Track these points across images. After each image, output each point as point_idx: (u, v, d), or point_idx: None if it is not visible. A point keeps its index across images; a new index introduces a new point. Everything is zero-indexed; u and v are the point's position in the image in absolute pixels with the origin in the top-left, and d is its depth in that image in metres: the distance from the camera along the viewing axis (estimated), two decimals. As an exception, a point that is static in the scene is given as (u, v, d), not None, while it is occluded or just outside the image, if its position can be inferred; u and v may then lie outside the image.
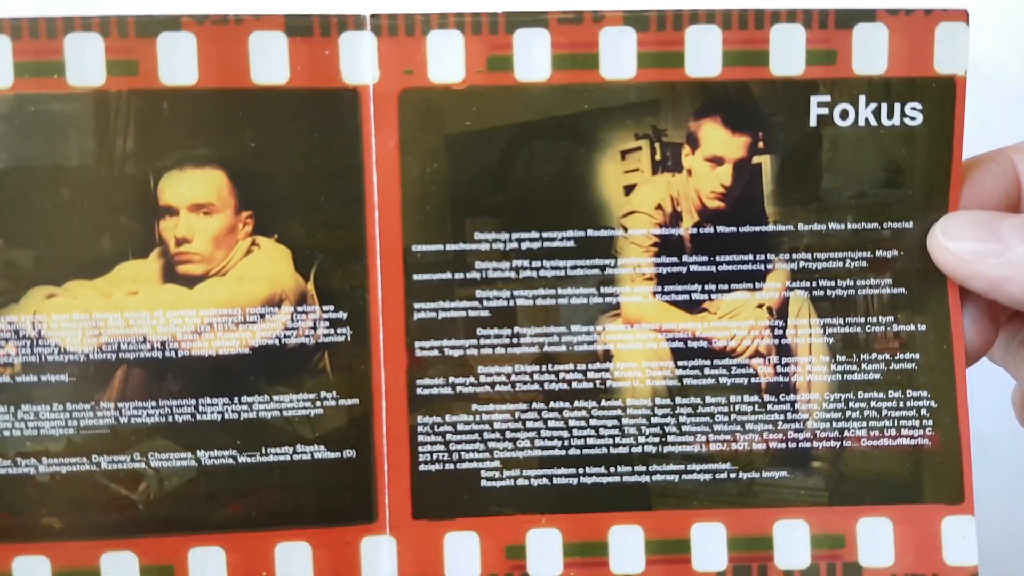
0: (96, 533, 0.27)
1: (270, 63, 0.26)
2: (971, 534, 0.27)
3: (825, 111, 0.27)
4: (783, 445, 0.28)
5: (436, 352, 0.27)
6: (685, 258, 0.28)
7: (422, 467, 0.27)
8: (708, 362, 0.28)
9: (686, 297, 0.28)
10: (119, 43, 0.26)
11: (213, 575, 0.27)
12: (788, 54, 0.27)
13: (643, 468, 0.28)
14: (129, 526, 0.27)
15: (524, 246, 0.27)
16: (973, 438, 0.27)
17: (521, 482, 0.28)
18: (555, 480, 0.28)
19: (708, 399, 0.28)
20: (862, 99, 0.27)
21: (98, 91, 0.26)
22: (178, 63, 0.26)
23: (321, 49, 0.26)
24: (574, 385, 0.28)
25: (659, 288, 0.28)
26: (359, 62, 0.27)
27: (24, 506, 0.27)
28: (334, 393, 0.27)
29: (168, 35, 0.26)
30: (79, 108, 0.26)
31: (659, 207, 0.27)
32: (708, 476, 0.28)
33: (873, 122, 0.27)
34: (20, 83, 0.26)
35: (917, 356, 0.28)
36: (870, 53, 0.27)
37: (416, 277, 0.27)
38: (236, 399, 0.27)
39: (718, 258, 0.27)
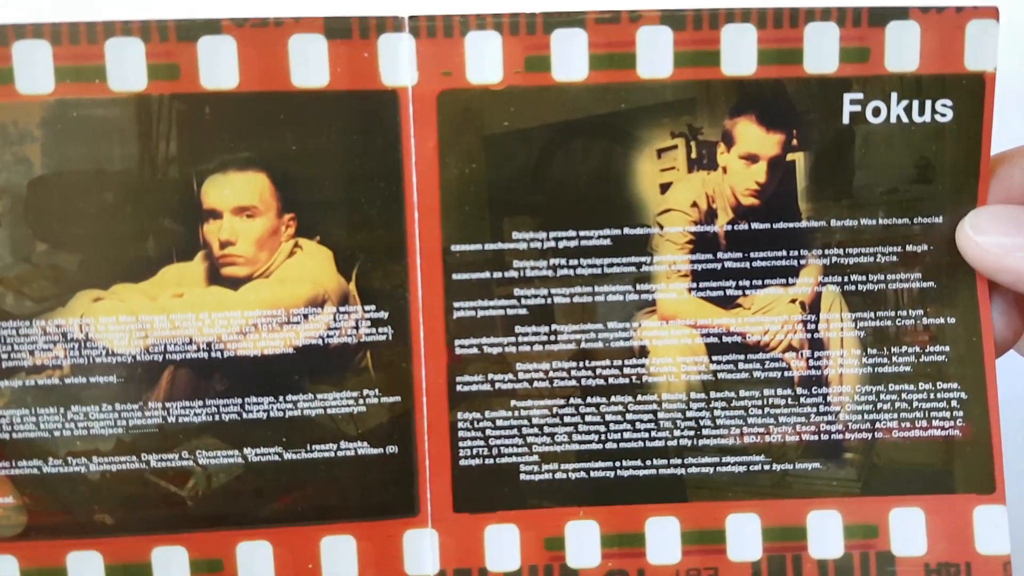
0: (147, 529, 0.26)
1: (310, 66, 0.25)
2: (1003, 523, 0.26)
3: (858, 108, 0.26)
4: (816, 437, 0.27)
5: (475, 350, 0.27)
6: (720, 254, 0.27)
7: (462, 462, 0.27)
8: (742, 356, 0.27)
9: (720, 293, 0.27)
10: (160, 47, 0.25)
11: (261, 568, 0.26)
12: (822, 52, 0.26)
13: (679, 461, 0.27)
14: (178, 522, 0.26)
15: (561, 244, 0.26)
16: (1003, 429, 0.27)
17: (559, 475, 0.27)
18: (592, 473, 0.27)
19: (742, 393, 0.27)
20: (894, 96, 0.26)
21: (140, 95, 0.25)
22: (219, 67, 0.25)
23: (360, 51, 0.25)
24: (611, 380, 0.27)
25: (694, 284, 0.27)
26: (398, 64, 0.25)
27: (76, 503, 0.26)
28: (376, 391, 0.26)
29: (208, 39, 0.25)
30: (121, 113, 0.25)
31: (694, 204, 0.26)
32: (742, 468, 0.27)
33: (904, 119, 0.26)
34: (62, 88, 0.25)
35: (947, 348, 0.27)
36: (902, 50, 0.26)
37: (455, 276, 0.26)
38: (281, 398, 0.26)
39: (752, 254, 0.27)
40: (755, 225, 0.26)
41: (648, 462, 0.27)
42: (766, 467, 0.27)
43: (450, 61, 0.26)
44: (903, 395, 0.27)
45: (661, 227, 0.26)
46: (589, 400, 0.27)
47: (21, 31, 0.24)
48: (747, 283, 0.27)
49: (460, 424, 0.27)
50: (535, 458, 0.27)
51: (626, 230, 0.26)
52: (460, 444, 0.27)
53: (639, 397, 0.27)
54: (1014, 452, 0.28)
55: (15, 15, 0.24)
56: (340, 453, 0.26)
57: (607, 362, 0.27)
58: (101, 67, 0.25)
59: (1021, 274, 0.25)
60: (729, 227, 0.27)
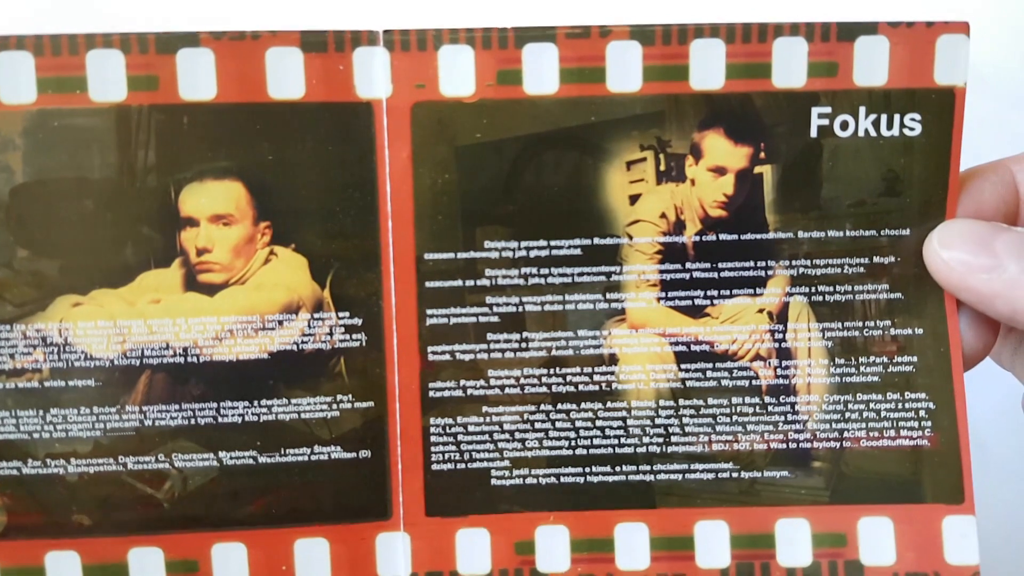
0: (123, 530, 0.26)
1: (286, 78, 0.25)
2: (972, 534, 0.26)
3: (826, 122, 0.26)
4: (784, 445, 0.27)
5: (448, 356, 0.26)
6: (688, 265, 0.26)
7: (435, 466, 0.26)
8: (710, 365, 0.26)
9: (689, 303, 0.26)
10: (139, 59, 0.25)
11: (235, 569, 0.26)
12: (790, 67, 0.25)
13: (648, 467, 0.27)
14: (155, 523, 0.26)
15: (533, 254, 0.26)
16: (973, 439, 0.26)
17: (530, 481, 0.27)
18: (562, 479, 0.27)
19: (710, 401, 0.27)
20: (862, 110, 0.26)
21: (120, 106, 0.25)
22: (197, 78, 0.25)
23: (336, 64, 0.25)
24: (581, 388, 0.26)
25: (663, 294, 0.26)
26: (373, 76, 0.25)
27: (55, 504, 0.26)
28: (350, 396, 0.26)
29: (187, 51, 0.25)
30: (101, 123, 0.25)
31: (663, 216, 0.26)
32: (711, 475, 0.27)
33: (873, 132, 0.26)
34: (43, 98, 0.25)
35: (915, 359, 0.26)
36: (871, 65, 0.26)
37: (428, 284, 0.26)
38: (256, 402, 0.26)
39: (720, 265, 0.26)
40: (723, 236, 0.26)
41: (617, 468, 0.27)
42: (734, 475, 0.27)
43: (424, 74, 0.25)
44: (871, 405, 0.26)
45: (630, 237, 0.26)
46: (559, 407, 0.26)
47: (4, 43, 0.24)
48: (715, 293, 0.26)
49: (432, 429, 0.26)
50: (506, 463, 0.27)
51: (596, 240, 0.26)
52: (432, 449, 0.26)
53: (609, 404, 0.26)
54: (983, 463, 0.27)
55: (-1, 27, 0.24)
56: (314, 457, 0.26)
57: (577, 369, 0.26)
58: (82, 78, 0.25)
59: (982, 295, 0.24)
60: (697, 238, 0.26)
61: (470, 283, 0.26)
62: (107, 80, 0.25)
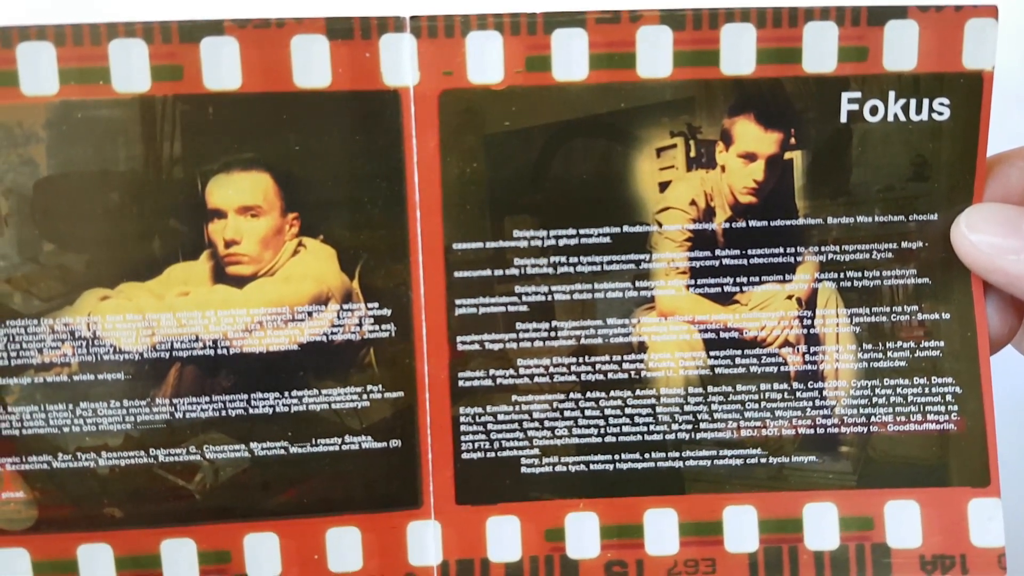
0: (155, 521, 0.25)
1: (312, 66, 0.24)
2: (997, 516, 0.25)
3: (855, 107, 0.25)
4: (812, 431, 0.26)
5: (477, 346, 0.25)
6: (718, 252, 0.25)
7: (465, 455, 0.26)
8: (739, 352, 0.26)
9: (718, 290, 0.26)
10: (163, 48, 0.24)
11: (268, 559, 0.25)
12: (821, 51, 0.24)
13: (676, 454, 0.26)
14: (187, 514, 0.25)
15: (561, 243, 0.25)
16: (998, 424, 0.25)
17: (559, 468, 0.26)
18: (592, 466, 0.26)
19: (739, 387, 0.26)
20: (892, 95, 0.25)
21: (144, 97, 0.24)
22: (222, 68, 0.24)
23: (362, 51, 0.24)
24: (610, 376, 0.26)
25: (692, 281, 0.25)
26: (399, 64, 0.24)
27: (86, 497, 0.25)
28: (380, 386, 0.25)
29: (211, 40, 0.24)
30: (125, 114, 0.24)
31: (693, 203, 0.25)
32: (739, 461, 0.26)
33: (902, 117, 0.25)
34: (66, 90, 0.24)
35: (942, 344, 0.26)
36: (900, 49, 0.25)
37: (457, 274, 0.25)
38: (286, 393, 0.25)
39: (749, 251, 0.25)
40: (753, 223, 0.25)
41: (646, 455, 0.26)
42: (763, 460, 0.26)
43: (451, 61, 0.24)
44: (898, 390, 0.26)
45: (660, 225, 0.25)
46: (589, 395, 0.26)
47: (25, 33, 0.23)
48: (744, 280, 0.25)
49: (462, 418, 0.26)
50: (536, 451, 0.26)
51: (625, 228, 0.25)
52: (462, 438, 0.26)
53: (638, 392, 0.26)
54: (1008, 447, 0.27)
55: (19, 17, 0.23)
56: (344, 447, 0.25)
57: (606, 358, 0.26)
58: (105, 68, 0.24)
59: (1012, 276, 0.24)
60: (727, 225, 0.25)
61: (499, 272, 0.25)
62: (131, 70, 0.24)
